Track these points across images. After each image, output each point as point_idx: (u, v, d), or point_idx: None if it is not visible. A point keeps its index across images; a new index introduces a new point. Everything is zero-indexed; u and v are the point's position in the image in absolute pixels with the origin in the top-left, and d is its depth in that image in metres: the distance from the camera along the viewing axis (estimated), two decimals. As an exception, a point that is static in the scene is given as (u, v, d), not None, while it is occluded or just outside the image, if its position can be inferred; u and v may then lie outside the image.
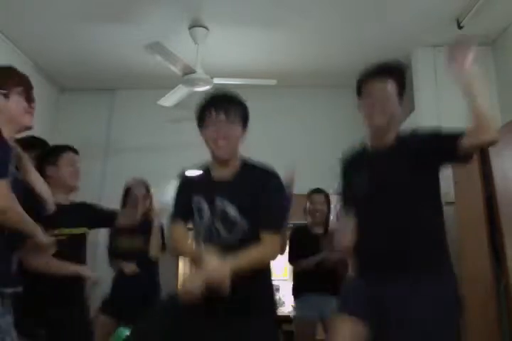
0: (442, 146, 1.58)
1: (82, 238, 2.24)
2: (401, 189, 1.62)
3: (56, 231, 2.03)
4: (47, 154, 2.33)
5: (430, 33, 3.68)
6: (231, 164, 1.67)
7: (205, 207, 1.60)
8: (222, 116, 1.61)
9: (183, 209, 1.70)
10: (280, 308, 4.29)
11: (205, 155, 1.76)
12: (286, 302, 4.34)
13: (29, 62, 4.12)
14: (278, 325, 3.62)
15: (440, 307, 1.48)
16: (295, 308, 2.96)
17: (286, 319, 3.77)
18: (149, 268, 3.05)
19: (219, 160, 1.66)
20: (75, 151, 2.39)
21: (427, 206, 1.61)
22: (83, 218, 2.24)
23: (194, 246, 1.64)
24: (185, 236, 1.67)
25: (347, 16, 3.47)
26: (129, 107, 4.76)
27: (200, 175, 1.71)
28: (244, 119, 1.69)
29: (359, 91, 1.75)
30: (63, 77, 4.54)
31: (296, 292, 3.04)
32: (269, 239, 1.56)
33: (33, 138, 2.57)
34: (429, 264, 1.55)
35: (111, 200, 4.18)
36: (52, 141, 4.58)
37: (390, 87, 1.70)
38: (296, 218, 4.16)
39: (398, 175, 1.62)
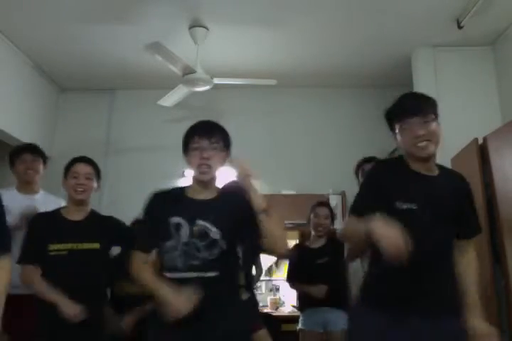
0: (467, 224, 1.67)
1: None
2: (451, 219, 1.61)
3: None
4: None
5: (430, 33, 3.69)
6: (211, 186, 1.75)
7: (185, 225, 1.65)
8: (206, 142, 1.68)
9: (151, 236, 1.74)
10: (280, 308, 4.29)
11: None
12: (286, 302, 4.34)
13: (29, 62, 4.12)
14: (278, 324, 3.64)
15: None
16: (301, 321, 2.99)
17: (286, 319, 3.78)
18: None
19: (200, 183, 1.73)
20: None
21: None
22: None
23: (153, 277, 1.67)
24: (146, 266, 1.71)
25: (347, 16, 3.47)
26: (129, 107, 4.77)
27: (175, 196, 1.75)
28: (227, 145, 1.76)
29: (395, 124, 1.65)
30: (63, 77, 4.54)
31: (301, 306, 3.10)
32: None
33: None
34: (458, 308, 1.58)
35: (111, 200, 4.21)
36: (52, 140, 4.62)
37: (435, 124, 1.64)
38: (296, 218, 4.17)
39: (453, 204, 1.63)
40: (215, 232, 1.64)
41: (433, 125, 1.60)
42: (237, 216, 1.68)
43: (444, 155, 3.43)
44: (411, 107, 1.62)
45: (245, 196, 1.67)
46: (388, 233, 1.39)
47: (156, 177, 4.46)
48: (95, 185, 2.22)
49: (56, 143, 4.62)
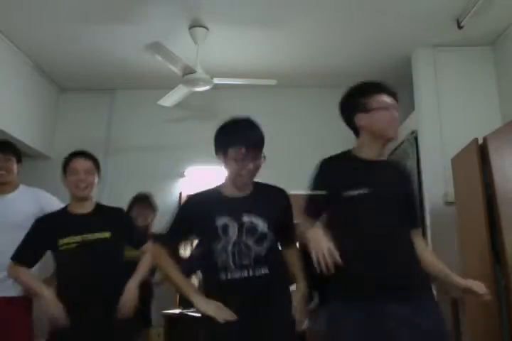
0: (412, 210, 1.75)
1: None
2: (402, 204, 1.68)
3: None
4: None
5: (430, 33, 3.68)
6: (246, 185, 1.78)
7: (232, 224, 1.67)
8: (251, 155, 1.68)
9: (179, 234, 1.81)
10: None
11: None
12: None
13: (29, 62, 4.12)
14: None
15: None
16: (308, 321, 2.99)
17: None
18: None
19: (238, 188, 1.75)
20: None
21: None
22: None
23: (183, 278, 1.74)
24: (172, 263, 1.75)
25: (347, 16, 3.47)
26: (129, 107, 4.76)
27: (212, 197, 1.77)
28: (263, 146, 1.75)
29: (362, 105, 1.73)
30: (63, 77, 4.54)
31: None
32: (296, 249, 1.86)
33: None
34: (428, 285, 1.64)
35: (111, 200, 4.20)
36: (52, 140, 4.62)
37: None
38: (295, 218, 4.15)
39: (404, 189, 1.73)
40: (262, 225, 1.68)
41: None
42: (276, 208, 1.74)
43: (444, 155, 3.45)
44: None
45: (280, 192, 1.80)
46: (318, 243, 1.46)
47: (156, 177, 4.47)
48: (96, 179, 2.17)
49: (56, 143, 4.62)
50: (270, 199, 1.77)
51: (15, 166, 2.51)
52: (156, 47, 3.24)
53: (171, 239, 1.81)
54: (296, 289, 1.78)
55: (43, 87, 4.48)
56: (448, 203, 3.40)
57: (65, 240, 2.02)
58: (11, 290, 2.28)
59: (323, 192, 1.69)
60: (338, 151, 1.84)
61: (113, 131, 4.72)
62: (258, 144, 1.70)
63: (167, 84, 3.97)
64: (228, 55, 4.07)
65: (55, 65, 4.26)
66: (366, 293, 1.54)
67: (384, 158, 1.77)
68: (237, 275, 1.63)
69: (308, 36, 3.76)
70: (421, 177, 3.68)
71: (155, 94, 4.16)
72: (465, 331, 2.93)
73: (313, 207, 1.73)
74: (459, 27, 3.49)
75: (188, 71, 3.54)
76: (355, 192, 1.62)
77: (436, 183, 3.54)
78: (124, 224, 2.23)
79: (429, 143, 3.71)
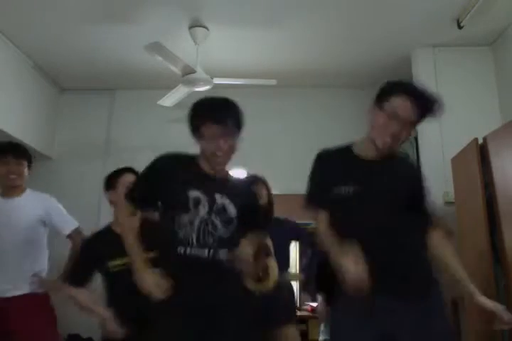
0: (422, 206, 1.72)
1: None
2: (402, 204, 1.64)
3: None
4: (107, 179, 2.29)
5: (430, 33, 3.68)
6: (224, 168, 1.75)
7: (205, 200, 1.63)
8: (224, 133, 1.60)
9: (147, 195, 1.72)
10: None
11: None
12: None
13: (29, 62, 4.12)
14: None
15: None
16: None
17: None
18: None
19: (213, 169, 1.70)
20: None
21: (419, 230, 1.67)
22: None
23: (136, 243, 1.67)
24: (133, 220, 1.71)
25: (347, 16, 3.47)
26: (128, 107, 4.76)
27: (189, 166, 1.70)
28: (241, 126, 1.68)
29: (381, 99, 1.62)
30: (63, 77, 4.54)
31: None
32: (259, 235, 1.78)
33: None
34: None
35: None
36: (52, 140, 4.62)
37: (415, 117, 1.58)
38: (295, 218, 4.15)
39: (410, 187, 1.68)
40: (232, 210, 1.65)
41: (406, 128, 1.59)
42: (251, 196, 1.74)
43: (444, 155, 3.45)
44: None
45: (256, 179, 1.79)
46: (352, 270, 1.42)
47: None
48: None
49: (56, 143, 4.62)
50: (244, 187, 1.76)
51: (25, 170, 2.53)
52: (156, 47, 3.24)
53: (140, 197, 1.73)
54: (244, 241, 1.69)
55: (43, 87, 4.48)
56: (448, 203, 3.39)
57: (116, 262, 2.03)
58: (32, 287, 2.38)
59: (320, 185, 1.67)
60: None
61: (113, 131, 4.72)
62: (231, 122, 1.61)
63: (167, 84, 3.96)
64: (228, 55, 4.07)
65: (55, 65, 4.26)
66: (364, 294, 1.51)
67: (386, 157, 1.68)
68: (196, 252, 1.58)
69: (308, 36, 3.76)
70: (421, 177, 3.68)
71: (155, 94, 4.16)
72: (465, 331, 2.93)
73: (313, 199, 1.70)
74: (459, 27, 3.49)
75: (188, 71, 3.54)
76: (343, 190, 1.59)
77: (436, 183, 3.53)
78: None
79: (429, 143, 3.71)
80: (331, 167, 1.68)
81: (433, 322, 1.53)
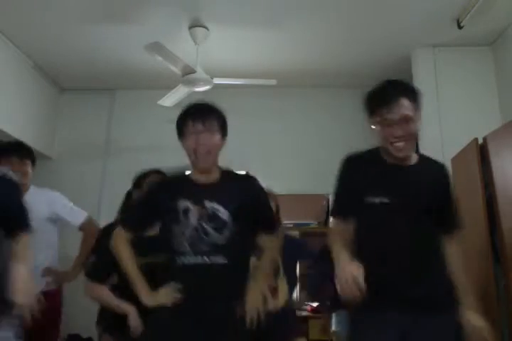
0: (446, 219, 1.71)
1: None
2: (428, 210, 1.62)
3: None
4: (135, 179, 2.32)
5: (430, 33, 3.68)
6: (212, 171, 1.74)
7: (193, 209, 1.65)
8: (200, 126, 1.67)
9: (140, 217, 1.78)
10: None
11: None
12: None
13: (29, 62, 4.12)
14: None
15: None
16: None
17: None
18: None
19: (200, 170, 1.72)
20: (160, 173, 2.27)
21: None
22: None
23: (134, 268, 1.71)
24: (129, 249, 1.73)
25: (347, 16, 3.47)
26: (128, 107, 4.76)
27: (178, 180, 1.77)
28: (223, 128, 1.74)
29: (369, 115, 1.62)
30: (63, 77, 4.54)
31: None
32: (273, 243, 1.80)
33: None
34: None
35: (111, 201, 4.20)
36: (52, 140, 4.62)
37: (404, 109, 1.57)
38: (295, 218, 4.16)
39: (436, 194, 1.65)
40: (224, 214, 1.64)
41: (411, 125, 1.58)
42: (242, 197, 1.69)
43: (444, 155, 3.44)
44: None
45: (249, 180, 1.77)
46: (346, 277, 1.41)
47: (156, 177, 4.46)
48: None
49: (56, 143, 4.62)
50: (236, 188, 1.72)
51: (30, 169, 2.53)
52: (156, 47, 3.24)
53: (132, 222, 1.79)
54: (253, 280, 1.70)
55: (43, 87, 4.48)
56: (448, 203, 3.39)
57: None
58: (48, 285, 2.43)
59: (348, 192, 1.65)
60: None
61: (113, 131, 4.72)
62: (211, 119, 1.69)
63: (167, 84, 3.96)
64: (228, 55, 4.07)
65: (55, 65, 4.26)
66: (378, 303, 1.51)
67: (411, 161, 1.68)
68: (192, 260, 1.60)
69: (308, 36, 3.76)
70: (421, 177, 3.67)
71: (155, 94, 4.16)
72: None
73: (341, 207, 1.68)
74: (459, 27, 3.49)
75: (188, 71, 3.54)
76: (377, 200, 1.56)
77: (436, 183, 3.54)
78: None
79: (429, 143, 3.70)
80: (362, 174, 1.64)
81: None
